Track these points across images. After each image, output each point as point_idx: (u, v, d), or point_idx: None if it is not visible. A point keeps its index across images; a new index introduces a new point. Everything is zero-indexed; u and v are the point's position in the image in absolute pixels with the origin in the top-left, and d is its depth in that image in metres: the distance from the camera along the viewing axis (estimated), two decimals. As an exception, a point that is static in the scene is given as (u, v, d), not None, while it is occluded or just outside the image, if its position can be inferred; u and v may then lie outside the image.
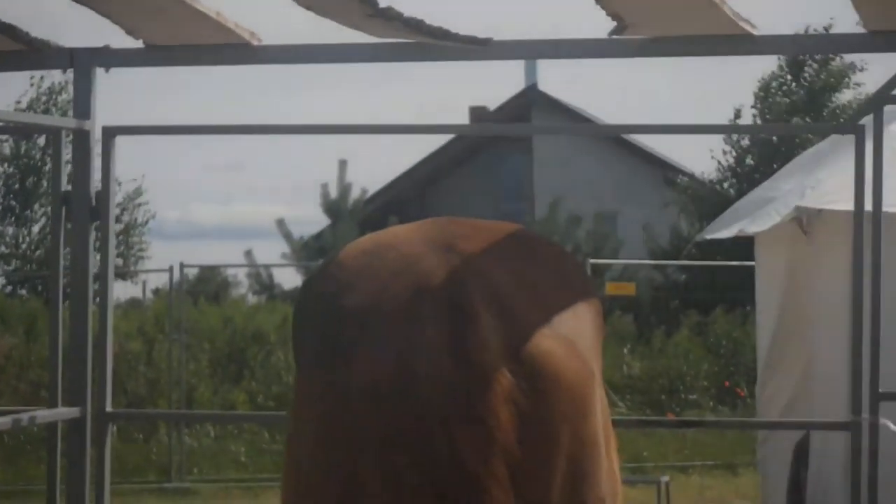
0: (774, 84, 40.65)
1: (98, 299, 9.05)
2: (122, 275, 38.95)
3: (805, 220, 12.93)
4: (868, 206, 8.27)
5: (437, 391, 5.35)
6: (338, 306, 5.71)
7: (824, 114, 39.50)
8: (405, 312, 5.51)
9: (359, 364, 5.55)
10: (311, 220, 56.06)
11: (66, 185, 8.90)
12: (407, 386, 5.42)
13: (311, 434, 5.70)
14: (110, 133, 8.87)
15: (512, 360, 5.42)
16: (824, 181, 12.57)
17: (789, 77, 40.50)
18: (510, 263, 5.76)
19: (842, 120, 35.72)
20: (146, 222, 44.62)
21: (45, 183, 40.00)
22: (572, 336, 5.67)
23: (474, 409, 5.33)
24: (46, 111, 40.07)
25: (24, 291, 37.57)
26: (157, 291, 38.37)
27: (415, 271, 5.61)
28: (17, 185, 43.39)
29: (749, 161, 40.37)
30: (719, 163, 41.51)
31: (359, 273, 5.78)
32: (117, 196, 40.50)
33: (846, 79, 40.45)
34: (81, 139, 8.84)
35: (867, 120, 8.28)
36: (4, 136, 40.60)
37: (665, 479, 15.69)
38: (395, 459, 5.45)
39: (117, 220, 41.84)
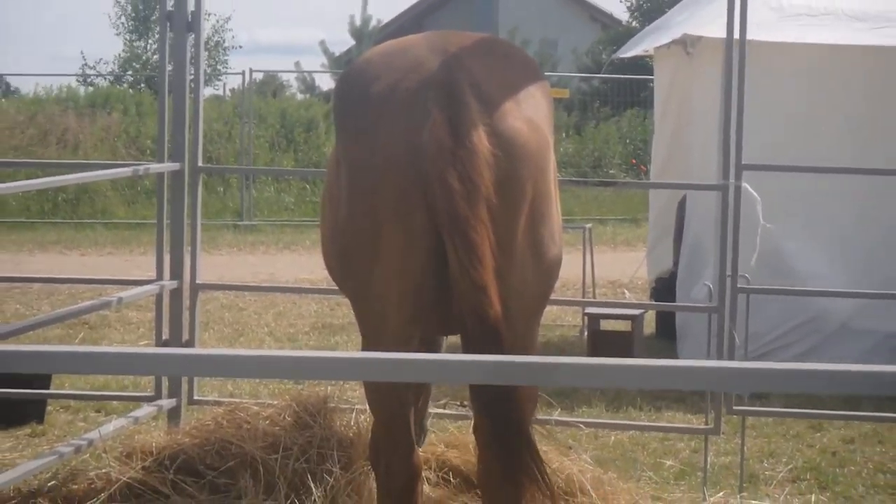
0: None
1: (192, 93, 8.98)
2: (209, 77, 38.94)
3: (689, 44, 12.84)
4: (736, 35, 8.22)
5: (438, 158, 5.41)
6: (367, 93, 5.77)
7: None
8: (414, 99, 5.56)
9: (380, 137, 5.60)
10: (342, 41, 55.78)
11: (169, 7, 8.82)
12: (416, 153, 5.48)
13: (347, 187, 5.75)
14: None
15: (492, 134, 5.51)
16: (705, 14, 12.46)
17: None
18: (488, 61, 5.84)
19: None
20: (226, 42, 45.35)
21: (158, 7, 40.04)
22: (533, 116, 5.75)
23: (465, 169, 5.39)
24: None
25: (142, 86, 37.48)
26: (233, 90, 38.29)
27: (421, 69, 5.69)
28: (141, 7, 43.71)
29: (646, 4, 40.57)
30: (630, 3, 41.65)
31: (382, 69, 5.83)
32: (208, 23, 41.53)
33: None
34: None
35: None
36: None
37: (588, 226, 15.66)
38: (407, 205, 5.53)
39: (208, 40, 42.31)
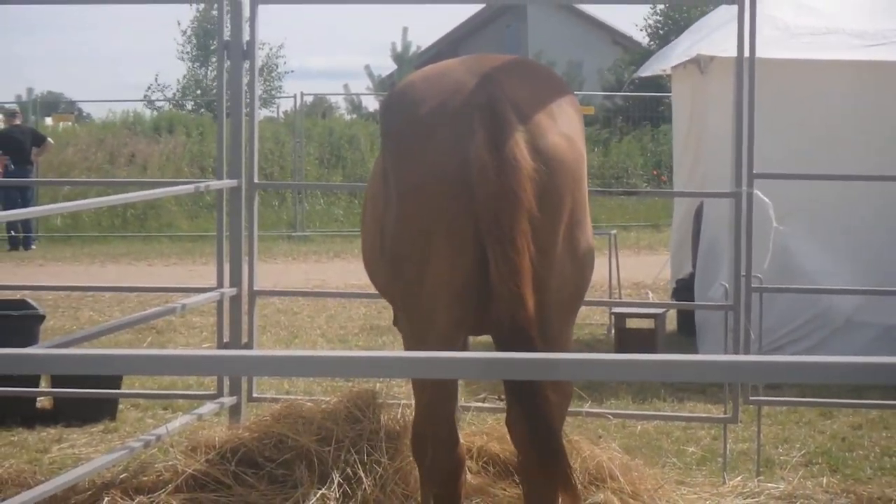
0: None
1: (248, 115, 8.99)
2: (264, 101, 39.13)
3: (702, 63, 12.80)
4: (746, 53, 8.18)
5: (483, 175, 5.41)
6: (414, 116, 5.77)
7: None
8: (461, 119, 5.55)
9: (430, 156, 5.60)
10: (385, 66, 55.85)
11: (226, 36, 8.83)
12: (464, 170, 5.47)
13: (398, 202, 5.74)
14: (256, 1, 8.77)
15: (533, 150, 5.49)
16: (717, 36, 12.43)
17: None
18: (523, 81, 5.82)
19: None
20: (279, 67, 45.69)
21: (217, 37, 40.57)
22: (568, 130, 5.74)
23: (509, 185, 5.38)
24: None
25: (203, 110, 37.71)
26: (286, 112, 38.47)
27: (464, 90, 5.67)
28: (202, 36, 44.04)
29: (664, 28, 40.58)
30: (647, 28, 41.72)
31: (426, 91, 5.81)
32: (263, 52, 41.93)
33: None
34: (235, 5, 8.74)
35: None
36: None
37: (613, 232, 15.65)
38: (456, 218, 5.56)
39: (263, 67, 42.63)
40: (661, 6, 40.84)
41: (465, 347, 7.20)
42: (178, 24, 45.90)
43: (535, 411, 5.39)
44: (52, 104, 42.49)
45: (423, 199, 5.61)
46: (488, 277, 5.44)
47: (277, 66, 46.74)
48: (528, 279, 5.32)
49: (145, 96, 43.79)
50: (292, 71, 52.85)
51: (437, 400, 5.94)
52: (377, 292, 6.89)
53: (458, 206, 5.51)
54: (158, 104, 41.35)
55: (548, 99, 5.77)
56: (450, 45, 48.42)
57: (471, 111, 5.55)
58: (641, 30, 43.11)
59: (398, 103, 6.00)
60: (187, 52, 45.71)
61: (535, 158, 5.49)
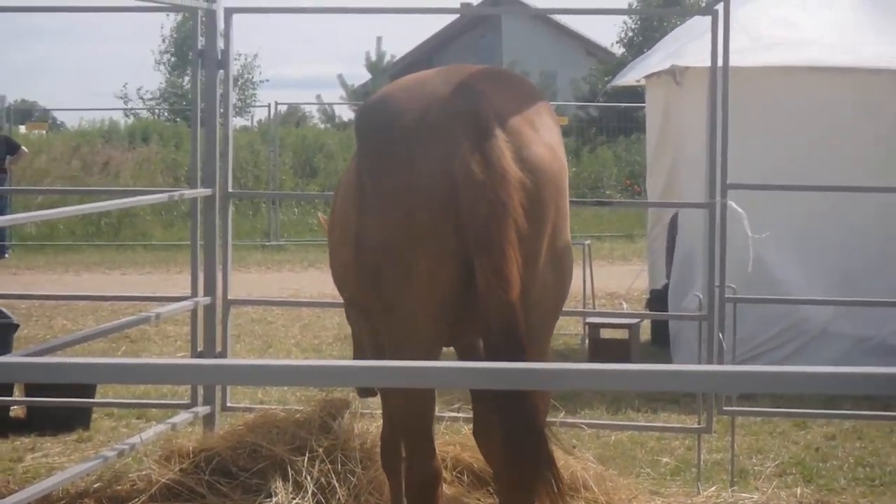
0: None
1: (222, 124, 8.98)
2: (239, 110, 39.16)
3: (677, 74, 12.83)
4: (720, 63, 8.21)
5: (470, 186, 5.37)
6: (395, 127, 5.70)
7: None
8: (445, 131, 5.51)
9: (414, 167, 5.55)
10: (359, 75, 55.86)
11: (201, 45, 8.82)
12: (449, 182, 5.44)
13: (378, 213, 5.68)
14: (230, 12, 8.77)
15: (518, 161, 5.46)
16: (692, 47, 12.46)
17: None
18: (502, 91, 5.77)
19: (702, 5, 35.41)
20: (254, 77, 45.72)
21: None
22: (550, 140, 5.73)
23: (496, 196, 5.35)
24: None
25: (177, 119, 37.71)
26: (259, 121, 38.51)
27: (445, 101, 5.61)
28: (179, 49, 44.06)
29: (638, 38, 40.75)
30: (621, 38, 41.91)
31: (405, 102, 5.75)
32: (238, 62, 42.06)
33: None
34: (210, 15, 8.73)
35: (721, 5, 8.17)
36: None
37: (587, 242, 15.67)
38: (441, 231, 5.50)
39: (238, 77, 42.70)
40: (634, 17, 40.99)
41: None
42: (162, 28, 46.02)
43: (526, 420, 5.36)
44: (26, 112, 42.35)
45: (405, 211, 5.56)
46: (470, 289, 5.43)
47: (252, 77, 46.76)
48: (517, 288, 5.30)
49: (125, 102, 43.77)
50: (267, 80, 52.74)
51: (415, 411, 5.90)
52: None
53: (442, 217, 5.48)
54: (134, 112, 41.31)
55: (527, 108, 5.74)
56: (424, 54, 48.48)
57: (453, 122, 5.51)
58: (616, 43, 43.24)
59: (376, 113, 5.94)
60: (164, 62, 45.73)
61: (521, 168, 5.46)
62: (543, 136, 5.68)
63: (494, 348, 5.34)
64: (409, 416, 5.91)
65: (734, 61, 8.38)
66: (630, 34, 42.47)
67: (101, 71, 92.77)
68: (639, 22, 41.41)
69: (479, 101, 5.57)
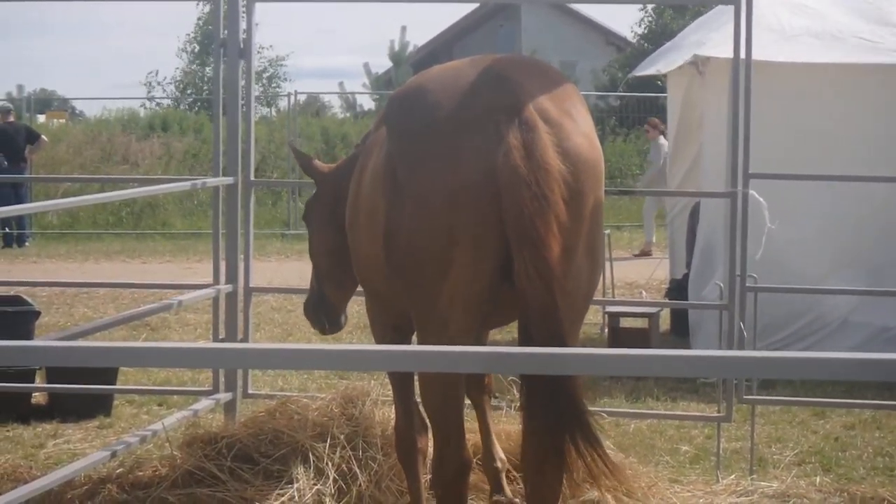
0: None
1: (244, 111, 9.00)
2: (262, 101, 39.19)
3: (700, 64, 12.82)
4: (742, 55, 8.21)
5: (513, 179, 5.34)
6: (432, 120, 5.66)
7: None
8: (485, 124, 5.48)
9: (455, 161, 5.51)
10: (381, 64, 55.90)
11: (223, 34, 8.85)
12: (491, 176, 5.41)
13: (414, 208, 5.61)
14: (252, 0, 8.80)
15: (560, 153, 5.43)
16: (714, 37, 12.44)
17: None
18: (540, 83, 5.72)
19: None
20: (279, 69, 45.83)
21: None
22: (587, 131, 5.70)
23: (539, 188, 5.33)
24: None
25: (199, 108, 37.79)
26: (279, 111, 38.55)
27: (483, 93, 5.58)
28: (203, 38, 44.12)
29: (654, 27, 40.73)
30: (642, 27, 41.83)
31: (441, 94, 5.70)
32: (266, 56, 42.46)
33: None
34: (233, 4, 8.75)
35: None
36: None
37: (607, 232, 15.64)
38: (482, 224, 5.47)
39: (264, 70, 42.92)
40: (655, 7, 40.82)
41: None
42: (184, 18, 46.14)
43: (567, 396, 5.39)
44: (45, 101, 42.48)
45: (446, 207, 5.51)
46: (504, 284, 5.44)
47: (279, 75, 46.79)
48: (558, 281, 5.30)
49: (147, 91, 43.80)
50: (290, 80, 52.73)
51: (448, 398, 5.89)
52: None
53: (485, 212, 5.43)
54: (155, 102, 41.39)
55: (564, 99, 5.68)
56: (443, 45, 48.46)
57: (494, 115, 5.46)
58: (635, 35, 43.04)
59: (412, 106, 5.85)
60: (187, 51, 45.75)
61: (563, 161, 5.44)
62: (580, 125, 5.64)
63: (534, 340, 5.33)
64: (440, 401, 5.89)
65: (757, 54, 8.36)
66: (650, 24, 42.31)
67: (120, 61, 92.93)
68: (659, 11, 41.17)
69: (519, 93, 5.52)
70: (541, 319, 5.29)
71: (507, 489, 7.17)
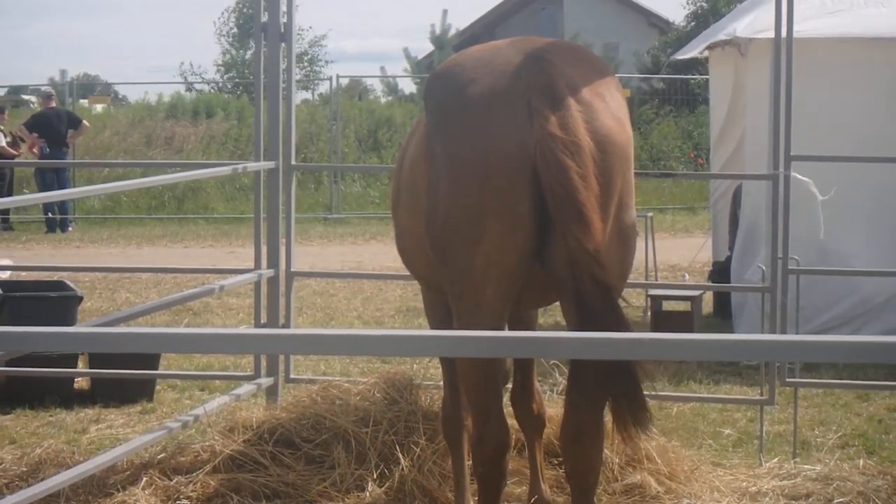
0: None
1: (285, 98, 9.02)
2: (302, 84, 39.28)
3: (742, 46, 12.77)
4: (783, 34, 8.18)
5: (552, 146, 5.43)
6: (468, 94, 5.74)
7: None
8: (520, 99, 5.56)
9: (488, 135, 5.59)
10: (417, 48, 55.88)
11: (263, 19, 8.87)
12: (525, 148, 5.51)
13: (449, 181, 5.70)
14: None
15: (590, 131, 5.50)
16: (759, 16, 12.38)
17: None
18: (574, 65, 5.82)
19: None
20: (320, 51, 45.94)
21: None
22: (618, 112, 5.77)
23: (575, 163, 5.38)
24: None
25: (241, 92, 37.91)
26: (321, 95, 38.66)
27: (518, 71, 5.66)
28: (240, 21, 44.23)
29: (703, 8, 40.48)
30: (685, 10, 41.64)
31: (477, 71, 5.80)
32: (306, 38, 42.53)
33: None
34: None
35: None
36: None
37: (650, 215, 15.64)
38: (515, 195, 5.56)
39: (305, 52, 42.97)
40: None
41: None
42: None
43: (627, 379, 5.51)
44: (88, 86, 42.68)
45: (480, 179, 5.58)
46: (538, 260, 5.51)
47: (318, 56, 46.94)
48: (599, 237, 5.37)
49: (184, 78, 43.97)
50: (332, 61, 52.92)
51: (488, 377, 5.92)
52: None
53: (518, 184, 5.51)
54: (196, 87, 41.53)
55: (595, 80, 5.76)
56: (485, 27, 48.39)
57: (528, 91, 5.55)
58: (685, 15, 42.83)
59: (448, 81, 5.93)
60: (226, 35, 45.93)
61: (593, 139, 5.51)
62: (611, 107, 5.71)
63: (585, 299, 5.37)
64: (479, 382, 5.92)
65: (798, 29, 8.32)
66: (696, 6, 42.06)
67: (160, 46, 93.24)
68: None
69: (553, 73, 5.59)
70: (590, 274, 5.35)
71: None
